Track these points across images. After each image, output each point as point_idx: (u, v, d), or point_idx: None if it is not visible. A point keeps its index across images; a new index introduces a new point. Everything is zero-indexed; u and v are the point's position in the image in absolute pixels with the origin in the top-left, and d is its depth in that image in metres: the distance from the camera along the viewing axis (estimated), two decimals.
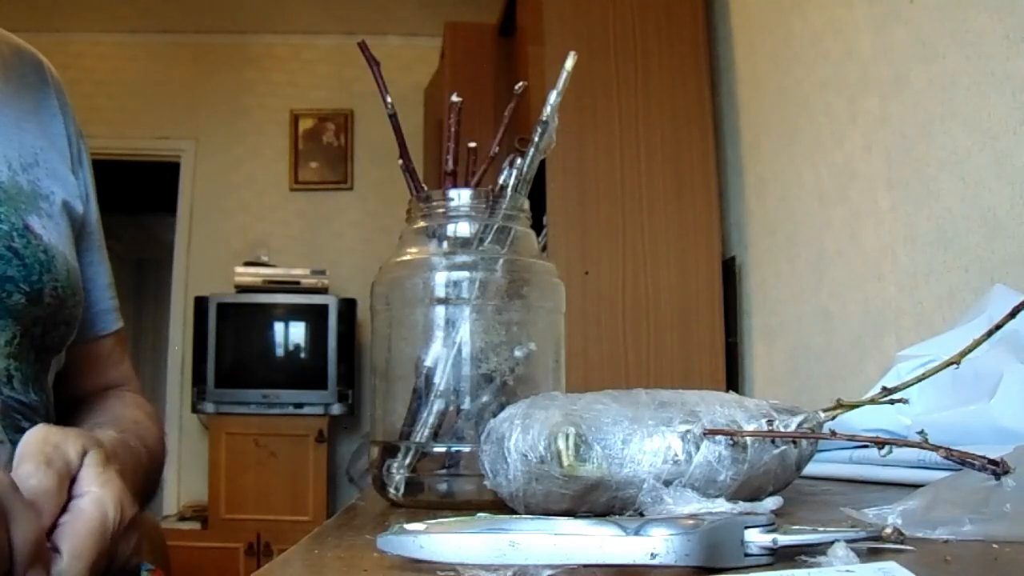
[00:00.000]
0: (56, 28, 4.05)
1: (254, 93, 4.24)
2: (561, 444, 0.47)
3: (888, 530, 0.38)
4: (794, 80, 1.68)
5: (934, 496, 0.42)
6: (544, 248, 1.86)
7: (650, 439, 0.48)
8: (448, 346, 0.61)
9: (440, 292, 0.61)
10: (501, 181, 0.67)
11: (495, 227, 0.64)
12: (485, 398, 0.61)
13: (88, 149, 0.85)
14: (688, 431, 0.49)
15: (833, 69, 1.50)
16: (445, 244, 0.65)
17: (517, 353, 0.62)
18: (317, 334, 3.72)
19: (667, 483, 0.48)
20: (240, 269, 3.79)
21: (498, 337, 0.61)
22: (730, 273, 1.96)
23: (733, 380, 1.92)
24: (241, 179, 4.20)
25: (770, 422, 0.51)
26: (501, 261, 0.63)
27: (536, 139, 0.66)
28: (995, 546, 0.38)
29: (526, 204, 0.67)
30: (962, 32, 1.11)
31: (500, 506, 0.52)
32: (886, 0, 1.33)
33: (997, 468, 0.41)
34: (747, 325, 1.93)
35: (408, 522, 0.37)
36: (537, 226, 2.02)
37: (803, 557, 0.35)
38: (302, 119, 4.25)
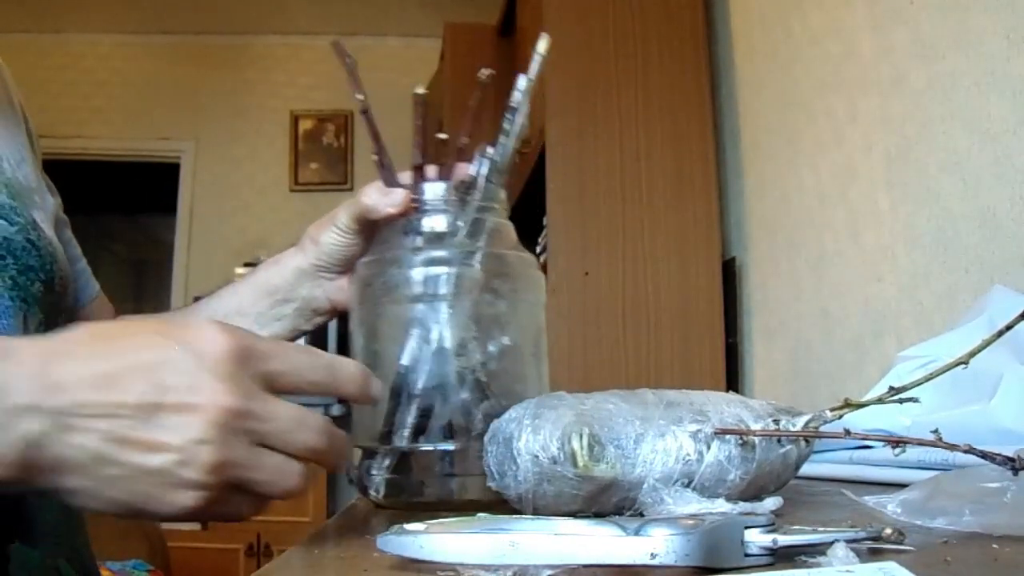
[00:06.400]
0: (56, 28, 4.05)
1: (254, 93, 4.24)
2: (575, 444, 0.47)
3: (888, 530, 0.38)
4: (794, 80, 1.68)
5: (934, 487, 0.42)
6: (544, 248, 1.86)
7: (661, 439, 0.48)
8: (425, 342, 0.59)
9: (417, 288, 0.59)
10: (471, 171, 0.64)
11: (470, 220, 0.62)
12: (464, 394, 0.58)
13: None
14: (699, 430, 0.49)
15: (833, 69, 1.50)
16: (419, 239, 0.63)
17: (493, 348, 0.60)
18: (316, 334, 3.68)
19: (685, 483, 0.47)
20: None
21: (476, 331, 0.59)
22: (730, 273, 1.96)
23: (733, 380, 1.92)
24: (241, 179, 4.20)
25: (776, 422, 0.51)
26: (478, 254, 0.61)
27: (506, 126, 0.64)
28: (995, 546, 0.38)
29: (502, 195, 0.65)
30: (962, 32, 1.11)
31: (498, 505, 0.51)
32: (886, 0, 1.33)
33: (1014, 464, 0.41)
34: (747, 325, 1.93)
35: (408, 522, 0.37)
36: (537, 226, 2.02)
37: (803, 557, 0.35)
38: (302, 120, 4.25)
